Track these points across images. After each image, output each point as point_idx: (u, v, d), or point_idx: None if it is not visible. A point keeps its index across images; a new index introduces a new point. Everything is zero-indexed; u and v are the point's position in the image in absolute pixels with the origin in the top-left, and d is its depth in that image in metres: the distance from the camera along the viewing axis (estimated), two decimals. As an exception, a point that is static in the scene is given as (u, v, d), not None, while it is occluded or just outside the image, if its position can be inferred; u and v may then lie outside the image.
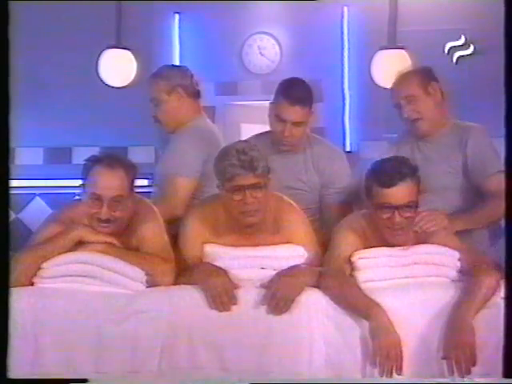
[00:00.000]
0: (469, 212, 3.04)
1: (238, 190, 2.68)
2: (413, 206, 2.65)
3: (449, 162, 3.12)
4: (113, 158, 2.74)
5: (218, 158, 2.76)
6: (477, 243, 3.04)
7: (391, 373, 2.43)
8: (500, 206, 2.84)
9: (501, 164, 3.04)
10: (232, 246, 2.75)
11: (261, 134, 3.38)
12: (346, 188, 3.24)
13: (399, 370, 2.44)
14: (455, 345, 2.47)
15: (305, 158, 3.26)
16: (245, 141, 2.85)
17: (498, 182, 2.94)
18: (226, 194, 2.72)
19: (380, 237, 2.70)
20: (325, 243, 2.84)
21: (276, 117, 3.18)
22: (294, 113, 3.14)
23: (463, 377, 2.43)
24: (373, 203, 2.67)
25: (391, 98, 3.19)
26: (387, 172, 2.64)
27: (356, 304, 2.54)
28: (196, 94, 3.47)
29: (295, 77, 3.31)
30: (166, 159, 3.36)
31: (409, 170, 2.66)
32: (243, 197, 2.68)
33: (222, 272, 2.65)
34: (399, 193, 2.62)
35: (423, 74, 3.17)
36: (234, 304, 2.58)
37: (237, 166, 2.66)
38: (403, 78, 3.18)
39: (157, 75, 3.46)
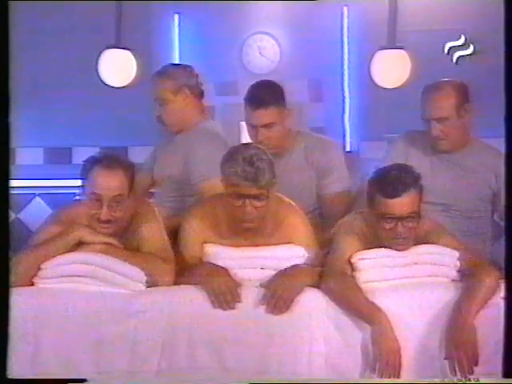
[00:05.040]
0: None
1: (239, 197, 2.67)
2: (415, 216, 2.64)
3: (475, 185, 3.13)
4: (111, 159, 2.73)
5: (224, 160, 2.73)
6: (479, 242, 3.05)
7: (389, 379, 2.44)
8: None
9: None
10: (232, 245, 2.75)
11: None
12: (342, 178, 3.24)
13: (397, 377, 2.45)
14: (457, 344, 2.47)
15: (295, 156, 3.25)
16: (254, 147, 2.75)
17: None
18: (228, 196, 2.72)
19: (379, 238, 2.69)
20: (324, 242, 2.84)
21: (246, 124, 3.21)
22: (258, 116, 3.14)
23: (466, 376, 2.43)
24: (375, 212, 2.66)
25: (422, 111, 3.14)
26: (391, 182, 2.61)
27: (358, 307, 2.54)
28: (201, 95, 3.44)
29: (261, 80, 3.31)
30: (188, 165, 3.25)
31: (412, 180, 2.64)
32: (243, 204, 2.67)
33: (223, 271, 2.65)
34: (402, 204, 2.61)
35: (459, 95, 3.12)
36: (239, 302, 2.58)
37: (240, 177, 2.64)
38: (440, 98, 3.11)
39: (162, 74, 3.39)
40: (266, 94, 3.18)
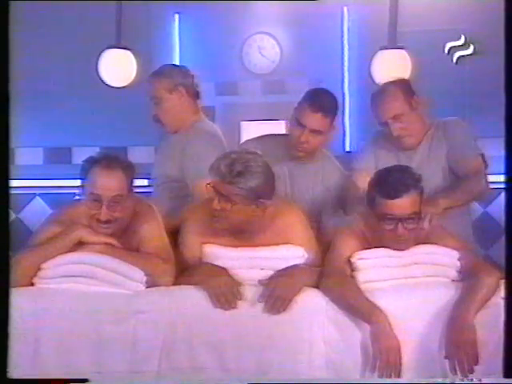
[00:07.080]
0: (450, 191, 3.06)
1: (213, 192, 2.67)
2: (416, 217, 2.64)
3: (438, 166, 3.17)
4: (111, 159, 2.73)
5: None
6: (459, 229, 3.05)
7: (390, 377, 2.44)
8: (478, 185, 3.07)
9: (478, 148, 3.18)
10: (230, 245, 2.74)
11: (277, 135, 3.37)
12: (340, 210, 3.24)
13: (397, 376, 2.45)
14: (457, 344, 2.47)
15: (316, 171, 3.26)
16: (252, 152, 2.76)
17: (476, 164, 3.10)
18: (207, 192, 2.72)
19: (379, 239, 2.69)
20: (324, 249, 2.83)
21: (296, 120, 3.17)
22: (314, 119, 3.12)
23: (466, 376, 2.42)
24: (375, 214, 2.66)
25: (376, 117, 3.20)
26: (391, 183, 2.62)
27: (357, 307, 2.54)
28: (196, 95, 3.46)
29: (324, 88, 3.32)
30: (183, 163, 3.28)
31: (412, 181, 2.65)
32: (213, 201, 2.67)
33: (223, 271, 2.64)
34: (403, 204, 2.61)
35: (405, 90, 3.19)
36: (240, 299, 2.57)
37: (217, 171, 2.64)
38: (389, 98, 3.17)
39: (158, 73, 3.43)
40: (328, 102, 3.18)
